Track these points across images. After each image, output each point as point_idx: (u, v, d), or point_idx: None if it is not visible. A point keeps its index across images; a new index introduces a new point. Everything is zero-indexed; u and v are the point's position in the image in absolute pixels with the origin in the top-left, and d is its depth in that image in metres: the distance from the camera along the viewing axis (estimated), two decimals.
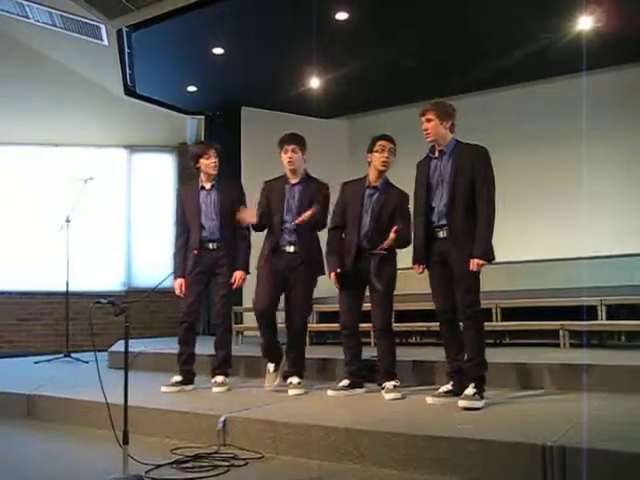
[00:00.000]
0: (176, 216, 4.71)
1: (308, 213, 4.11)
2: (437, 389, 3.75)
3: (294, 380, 4.22)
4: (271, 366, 4.38)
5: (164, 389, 4.41)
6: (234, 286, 4.50)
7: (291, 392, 4.13)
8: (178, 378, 4.49)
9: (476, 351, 3.51)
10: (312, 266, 4.25)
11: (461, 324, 3.60)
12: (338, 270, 4.09)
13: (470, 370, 3.50)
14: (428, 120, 3.63)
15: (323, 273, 4.33)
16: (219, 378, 4.44)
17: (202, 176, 4.60)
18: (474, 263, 3.47)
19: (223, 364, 4.53)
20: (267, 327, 4.31)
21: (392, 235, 3.86)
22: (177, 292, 4.56)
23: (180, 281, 4.54)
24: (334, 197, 4.32)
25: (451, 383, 3.66)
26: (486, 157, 3.59)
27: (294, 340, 4.32)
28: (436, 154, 3.67)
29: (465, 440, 2.71)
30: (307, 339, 6.19)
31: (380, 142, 4.07)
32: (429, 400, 3.63)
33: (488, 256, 3.51)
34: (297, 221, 4.14)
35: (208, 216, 4.51)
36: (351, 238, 4.11)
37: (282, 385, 4.30)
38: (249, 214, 4.31)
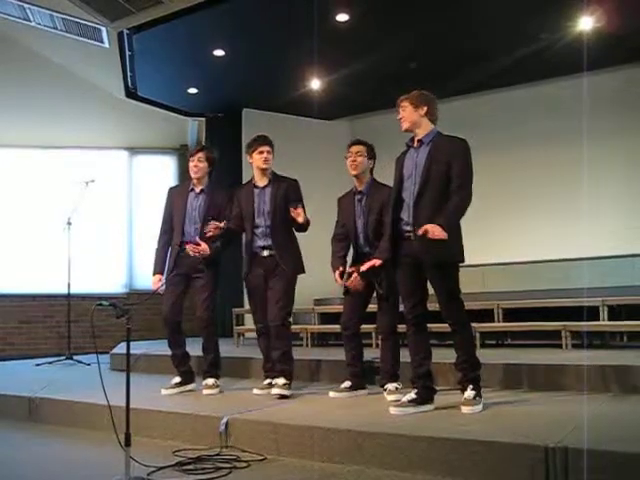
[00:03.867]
0: (164, 214, 4.68)
1: (300, 212, 4.06)
2: (439, 390, 3.74)
3: (279, 381, 4.10)
4: (266, 381, 4.37)
5: (164, 392, 4.42)
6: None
7: (274, 391, 4.04)
8: (177, 379, 4.52)
9: (468, 352, 3.47)
10: (289, 264, 4.19)
11: (450, 328, 3.50)
12: (341, 269, 4.11)
13: (466, 372, 3.46)
14: (403, 108, 3.59)
15: (302, 271, 4.30)
16: (210, 381, 4.43)
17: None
18: (425, 229, 3.24)
19: (212, 367, 4.51)
20: (267, 341, 4.34)
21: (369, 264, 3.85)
22: (153, 287, 4.50)
23: (158, 277, 4.53)
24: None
25: (415, 391, 3.47)
26: (464, 148, 3.44)
27: (275, 338, 4.19)
28: (415, 144, 3.57)
29: (468, 441, 2.71)
30: (309, 341, 6.26)
31: (349, 149, 4.14)
32: (394, 411, 3.38)
33: (448, 229, 3.24)
34: (294, 214, 4.06)
35: (192, 219, 4.49)
36: (352, 246, 4.17)
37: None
38: (212, 228, 4.18)
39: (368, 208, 4.09)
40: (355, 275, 3.99)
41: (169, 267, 4.50)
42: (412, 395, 3.46)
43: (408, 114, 3.56)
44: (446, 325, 3.72)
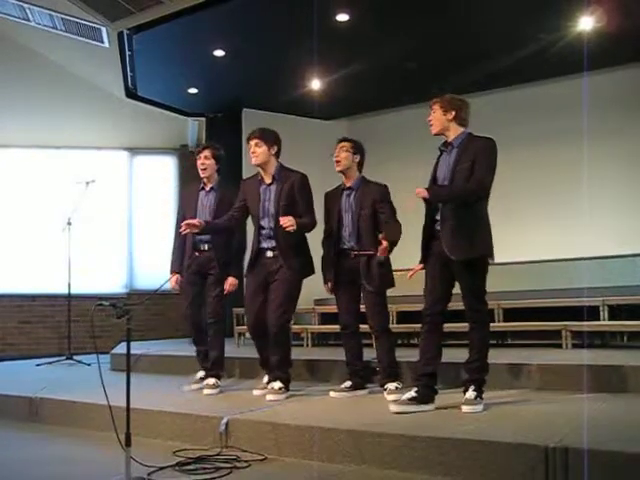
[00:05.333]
0: (177, 215, 4.78)
1: (288, 224, 3.92)
2: (439, 390, 3.74)
3: (275, 385, 4.05)
4: (266, 377, 4.37)
5: (187, 388, 4.48)
6: (225, 292, 4.51)
7: (269, 397, 3.98)
8: (201, 374, 4.59)
9: (480, 354, 3.48)
10: (293, 267, 4.09)
11: (468, 325, 3.54)
12: (330, 284, 4.17)
13: (472, 372, 3.48)
14: (433, 111, 3.62)
15: (309, 274, 4.23)
16: (210, 380, 4.44)
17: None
18: (418, 191, 3.40)
19: (215, 365, 4.52)
20: (259, 342, 4.30)
21: (384, 244, 3.89)
22: (172, 286, 4.61)
23: (175, 276, 4.61)
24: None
25: (415, 390, 3.46)
26: (489, 147, 3.49)
27: (273, 343, 4.11)
28: (447, 147, 3.62)
29: (468, 441, 2.71)
30: (309, 341, 6.25)
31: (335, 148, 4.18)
32: (394, 408, 3.42)
33: (435, 195, 3.44)
34: (281, 222, 3.96)
35: (202, 217, 4.47)
36: (334, 240, 4.16)
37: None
38: (190, 225, 4.08)
39: (359, 203, 4.10)
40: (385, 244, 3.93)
41: (185, 267, 4.57)
42: (412, 393, 3.45)
43: (437, 117, 3.61)
44: (451, 326, 3.73)
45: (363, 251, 4.05)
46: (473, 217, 3.47)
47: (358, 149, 4.20)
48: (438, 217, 3.54)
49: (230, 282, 4.50)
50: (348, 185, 4.18)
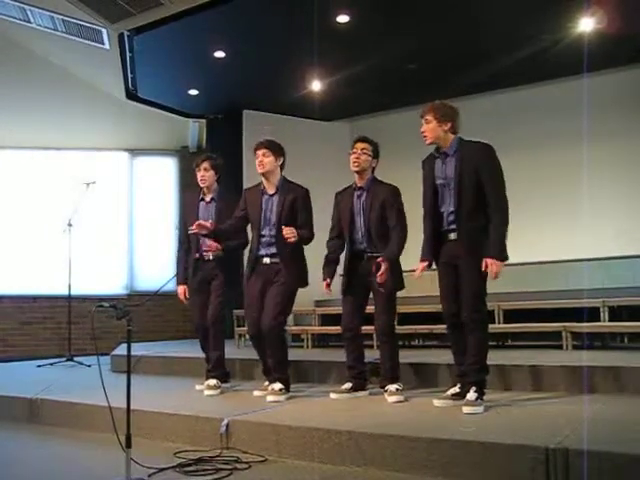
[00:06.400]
0: (179, 223, 4.81)
1: (290, 235, 4.00)
2: (440, 392, 3.75)
3: (275, 386, 4.07)
4: (266, 383, 4.36)
5: (199, 387, 4.50)
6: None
7: (269, 398, 3.99)
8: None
9: (479, 355, 3.49)
10: (291, 273, 4.12)
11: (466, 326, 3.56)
12: (328, 280, 4.16)
13: (472, 374, 3.48)
14: (427, 122, 3.58)
15: (304, 284, 4.25)
16: (212, 381, 4.44)
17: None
18: (486, 263, 3.39)
19: (216, 366, 4.53)
20: (261, 350, 4.30)
21: (382, 268, 3.84)
22: (181, 297, 4.69)
23: (182, 287, 4.67)
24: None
25: (459, 385, 3.60)
26: (490, 153, 3.51)
27: (268, 345, 4.14)
28: (441, 156, 3.61)
29: (468, 443, 2.71)
30: (310, 343, 6.26)
31: (354, 145, 4.14)
32: (436, 403, 3.58)
33: (501, 256, 3.42)
34: (284, 232, 4.01)
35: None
36: (346, 242, 4.16)
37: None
38: (201, 226, 4.10)
39: (369, 205, 4.09)
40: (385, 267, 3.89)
41: (190, 276, 4.60)
42: (456, 389, 3.57)
43: (432, 129, 3.58)
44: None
45: (376, 253, 4.02)
46: (487, 221, 3.49)
47: (377, 153, 4.18)
48: (444, 224, 3.57)
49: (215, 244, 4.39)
50: (360, 185, 4.16)
